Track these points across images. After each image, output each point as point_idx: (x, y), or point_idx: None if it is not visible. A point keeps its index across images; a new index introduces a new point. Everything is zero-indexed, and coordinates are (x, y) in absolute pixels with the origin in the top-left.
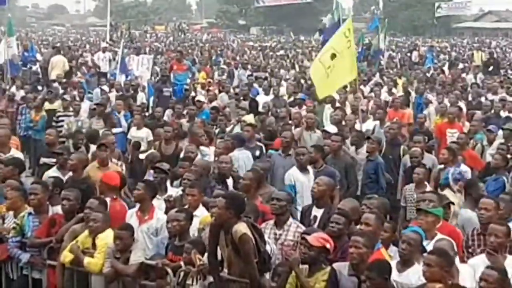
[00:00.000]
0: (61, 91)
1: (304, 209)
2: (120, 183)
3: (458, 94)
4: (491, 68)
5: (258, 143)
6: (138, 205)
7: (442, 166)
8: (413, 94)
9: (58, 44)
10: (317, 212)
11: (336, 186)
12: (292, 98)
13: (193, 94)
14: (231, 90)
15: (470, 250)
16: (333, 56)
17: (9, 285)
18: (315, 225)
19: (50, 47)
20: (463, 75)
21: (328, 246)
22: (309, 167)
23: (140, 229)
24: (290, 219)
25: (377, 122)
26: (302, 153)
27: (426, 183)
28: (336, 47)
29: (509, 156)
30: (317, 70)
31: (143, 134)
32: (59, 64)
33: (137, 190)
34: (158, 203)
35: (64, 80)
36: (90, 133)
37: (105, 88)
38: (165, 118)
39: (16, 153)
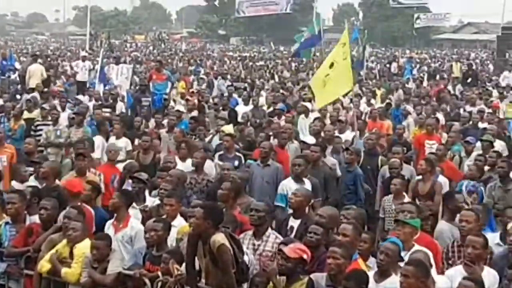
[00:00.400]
0: (41, 100)
1: (281, 220)
2: (94, 192)
3: (435, 105)
4: (469, 79)
5: (237, 153)
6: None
7: (420, 177)
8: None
9: (38, 53)
10: (294, 223)
11: (317, 197)
12: (271, 109)
13: (172, 104)
14: (210, 100)
15: (450, 262)
16: (331, 65)
17: None
18: (292, 236)
19: (29, 56)
20: (442, 86)
21: (305, 256)
22: (306, 179)
23: (115, 238)
24: (269, 230)
25: (357, 133)
26: (299, 163)
27: (404, 193)
28: (335, 57)
29: (487, 167)
30: (316, 79)
31: (122, 143)
32: (36, 73)
33: (112, 199)
34: (135, 213)
35: (45, 90)
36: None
37: (81, 97)
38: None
39: None
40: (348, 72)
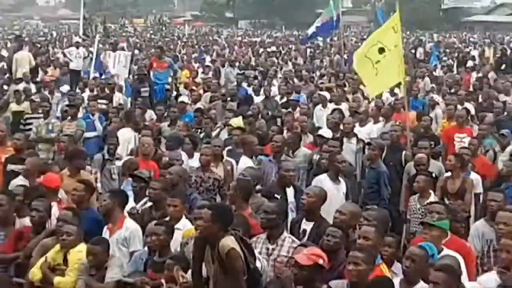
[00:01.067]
0: (33, 90)
1: (293, 222)
2: (87, 192)
3: (462, 95)
4: (503, 66)
5: None
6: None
7: (449, 174)
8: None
9: (26, 39)
10: (307, 226)
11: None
12: (284, 99)
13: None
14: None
15: (485, 268)
16: (381, 50)
17: None
18: (304, 240)
19: (13, 40)
20: (473, 73)
21: (321, 262)
22: (341, 179)
23: (111, 241)
24: (285, 233)
25: (383, 122)
26: (344, 160)
27: (431, 192)
28: (384, 41)
29: None
30: (364, 66)
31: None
32: (24, 61)
33: (103, 201)
34: None
35: (37, 80)
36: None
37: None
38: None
39: None
40: (399, 61)
